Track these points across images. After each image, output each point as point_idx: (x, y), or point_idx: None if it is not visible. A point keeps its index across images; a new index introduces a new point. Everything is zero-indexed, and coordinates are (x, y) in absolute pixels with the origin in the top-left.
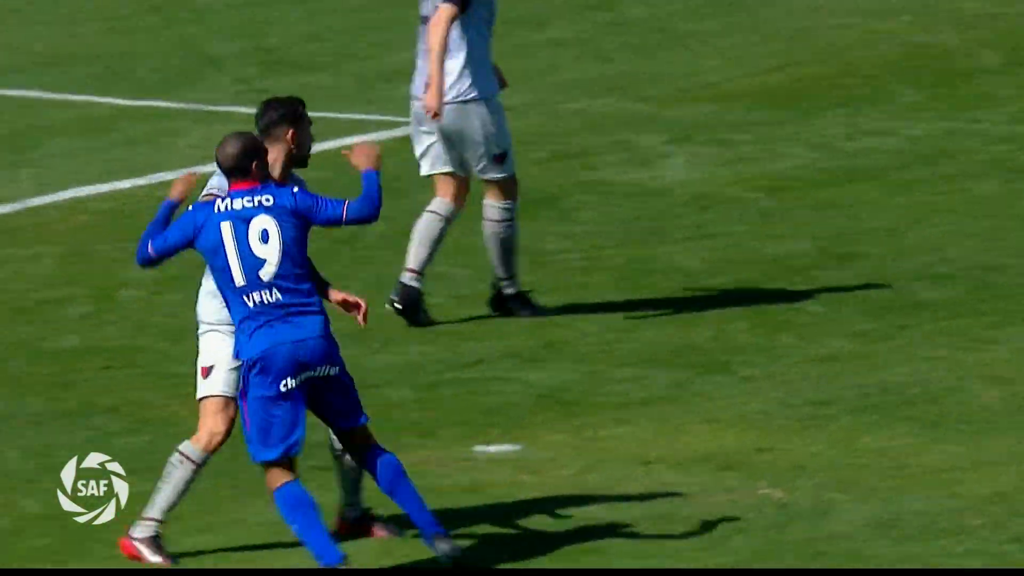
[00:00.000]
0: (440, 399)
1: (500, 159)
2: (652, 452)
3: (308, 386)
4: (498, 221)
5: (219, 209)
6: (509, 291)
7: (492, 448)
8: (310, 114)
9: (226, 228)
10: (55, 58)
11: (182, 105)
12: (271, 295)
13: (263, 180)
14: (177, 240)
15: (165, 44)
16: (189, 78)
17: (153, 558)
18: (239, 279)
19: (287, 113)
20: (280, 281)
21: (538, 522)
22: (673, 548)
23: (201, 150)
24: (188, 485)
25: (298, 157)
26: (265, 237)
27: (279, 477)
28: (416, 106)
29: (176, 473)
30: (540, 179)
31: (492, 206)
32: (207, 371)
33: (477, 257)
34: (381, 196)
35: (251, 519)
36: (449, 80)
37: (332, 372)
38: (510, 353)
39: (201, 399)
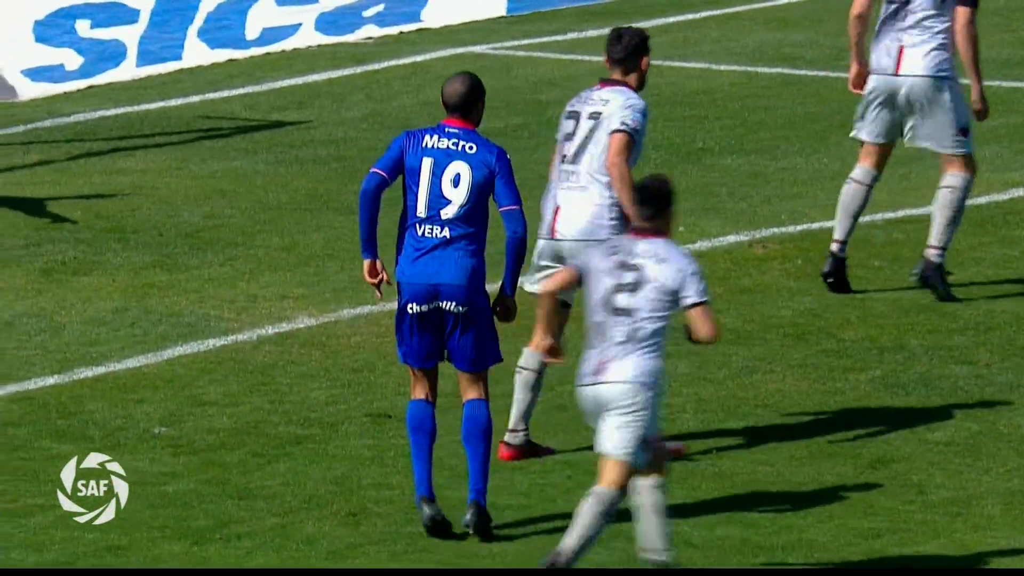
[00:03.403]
0: None
1: (964, 133)
2: None
3: (438, 316)
4: (954, 189)
5: (426, 144)
6: (939, 260)
7: None
8: None
9: (427, 162)
10: None
11: None
12: (442, 231)
13: (478, 123)
14: (393, 157)
15: None
16: None
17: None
18: (422, 210)
19: (642, 42)
20: (454, 222)
21: None
22: None
23: None
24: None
25: (642, 83)
26: (456, 181)
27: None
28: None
29: None
30: None
31: (954, 176)
32: None
33: None
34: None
35: None
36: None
37: (460, 310)
38: None
39: None
